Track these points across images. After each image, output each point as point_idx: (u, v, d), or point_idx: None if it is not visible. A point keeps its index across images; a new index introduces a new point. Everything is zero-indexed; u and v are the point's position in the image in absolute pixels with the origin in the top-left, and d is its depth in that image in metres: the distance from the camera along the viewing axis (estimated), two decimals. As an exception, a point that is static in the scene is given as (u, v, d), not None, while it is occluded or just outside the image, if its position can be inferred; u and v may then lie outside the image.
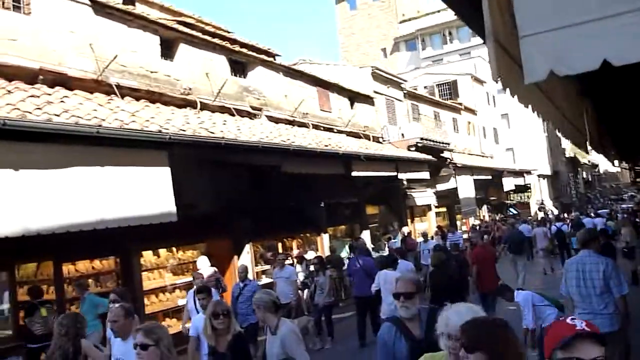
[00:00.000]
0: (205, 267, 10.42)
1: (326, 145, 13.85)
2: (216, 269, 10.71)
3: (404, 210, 21.23)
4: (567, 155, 63.64)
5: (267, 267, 13.98)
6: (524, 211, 38.57)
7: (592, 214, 29.01)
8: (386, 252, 18.32)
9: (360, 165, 15.37)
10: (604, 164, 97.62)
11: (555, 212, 42.23)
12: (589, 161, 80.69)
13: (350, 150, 14.80)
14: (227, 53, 13.88)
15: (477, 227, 22.95)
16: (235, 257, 12.70)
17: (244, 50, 14.50)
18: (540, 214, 35.18)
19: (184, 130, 9.58)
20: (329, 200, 16.23)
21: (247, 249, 13.05)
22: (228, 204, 12.42)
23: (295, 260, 13.82)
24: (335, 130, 17.62)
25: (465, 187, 24.34)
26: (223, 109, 13.11)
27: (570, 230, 17.59)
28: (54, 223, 7.34)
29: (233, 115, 13.18)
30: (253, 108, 14.34)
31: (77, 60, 9.89)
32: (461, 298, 7.69)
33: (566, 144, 65.44)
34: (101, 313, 8.16)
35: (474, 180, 25.89)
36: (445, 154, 23.01)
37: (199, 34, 12.99)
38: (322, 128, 16.94)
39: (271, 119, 14.78)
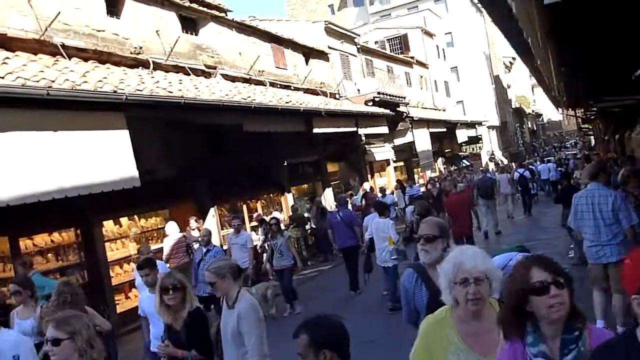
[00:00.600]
0: (174, 232, 10.04)
1: (287, 102, 13.45)
2: (185, 234, 10.35)
3: (363, 166, 21.17)
4: (513, 106, 65.05)
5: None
6: (476, 162, 39.35)
7: (538, 162, 29.68)
8: (349, 209, 18.41)
9: (322, 121, 15.08)
10: (548, 113, 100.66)
11: (505, 161, 43.25)
12: (533, 111, 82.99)
13: (311, 107, 14.45)
14: (177, 9, 13.13)
15: (436, 180, 23.15)
16: (201, 221, 12.31)
17: (194, 5, 13.75)
18: (492, 164, 35.96)
19: (140, 90, 9.01)
20: (290, 159, 15.93)
21: (212, 212, 12.68)
22: (189, 166, 11.99)
23: (256, 224, 13.55)
24: (292, 88, 17.19)
25: (422, 140, 24.47)
26: (177, 69, 12.47)
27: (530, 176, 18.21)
28: (7, 195, 6.79)
29: (188, 74, 12.56)
30: (207, 67, 13.72)
31: (16, 19, 9.07)
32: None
33: (512, 94, 66.96)
34: (47, 294, 7.66)
35: (430, 133, 26.06)
36: (402, 108, 22.93)
37: (146, -12, 12.20)
38: (278, 86, 16.47)
39: (227, 77, 14.21)
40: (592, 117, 29.38)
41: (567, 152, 48.78)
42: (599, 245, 5.57)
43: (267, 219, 13.19)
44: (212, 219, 12.62)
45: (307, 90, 17.96)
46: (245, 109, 11.48)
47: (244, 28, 15.75)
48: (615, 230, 5.51)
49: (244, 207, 14.29)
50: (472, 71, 45.66)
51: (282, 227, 12.22)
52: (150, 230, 11.82)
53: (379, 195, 17.77)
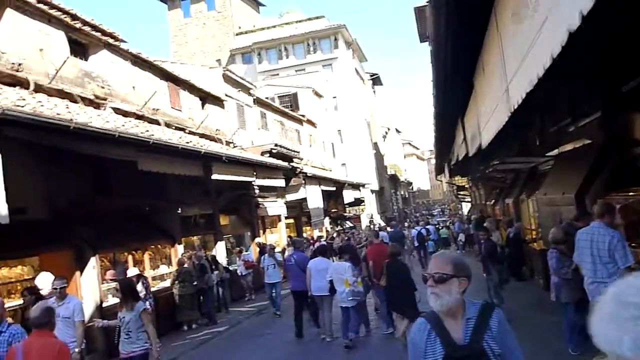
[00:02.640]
0: (47, 286, 8.15)
1: (188, 142, 12.17)
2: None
3: (255, 220, 20.01)
4: (389, 173, 67.81)
5: (114, 285, 11.78)
6: (357, 224, 39.77)
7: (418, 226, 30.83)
8: (240, 265, 17.05)
9: (221, 167, 13.90)
10: (417, 182, 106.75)
11: (383, 224, 44.25)
12: (405, 179, 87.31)
13: (212, 150, 13.25)
14: (66, 29, 11.58)
15: (334, 236, 22.57)
16: (78, 272, 10.39)
17: (87, 28, 12.27)
18: (371, 227, 36.43)
19: (21, 106, 7.39)
20: (184, 207, 14.43)
21: (93, 262, 10.77)
22: (69, 207, 10.16)
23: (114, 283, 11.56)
24: (187, 131, 15.88)
25: (314, 197, 23.94)
26: (62, 94, 10.81)
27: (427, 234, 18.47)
28: None
29: (75, 102, 10.92)
30: (97, 97, 12.15)
31: None
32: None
33: (387, 161, 69.95)
34: None
35: (321, 191, 25.67)
36: (296, 163, 22.34)
37: (32, 0, 10.58)
38: (173, 127, 15.12)
39: (118, 111, 12.67)
40: (471, 185, 31.09)
41: (437, 219, 51.74)
42: (595, 283, 5.63)
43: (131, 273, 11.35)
44: (92, 271, 10.71)
45: (202, 136, 16.73)
46: (142, 144, 10.05)
47: (139, 61, 14.39)
48: (612, 269, 5.54)
49: (130, 257, 12.44)
50: (355, 136, 46.94)
51: (143, 289, 10.64)
52: (13, 282, 9.67)
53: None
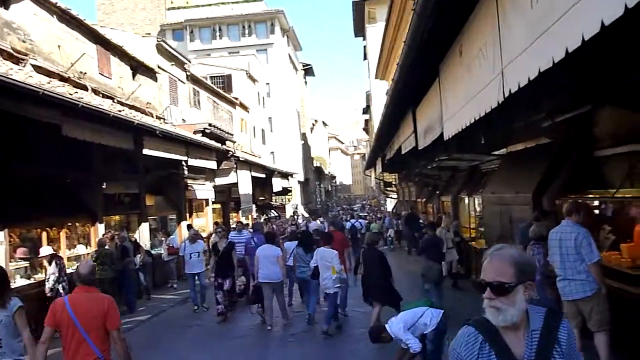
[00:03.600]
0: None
1: (120, 111, 11.03)
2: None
3: (183, 203, 18.89)
4: (314, 165, 67.69)
5: (25, 264, 10.51)
6: (282, 213, 39.20)
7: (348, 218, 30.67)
8: (164, 250, 15.93)
9: (153, 142, 12.82)
10: (340, 177, 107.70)
11: (307, 215, 43.97)
12: (329, 172, 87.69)
13: (146, 123, 12.14)
14: (-16, -31, 10.13)
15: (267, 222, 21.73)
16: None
17: (9, -28, 10.82)
18: (295, 217, 35.96)
19: None
20: (109, 184, 13.19)
21: (1, 237, 9.47)
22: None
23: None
24: (116, 101, 14.59)
25: (245, 183, 23.02)
26: (-25, 42, 9.41)
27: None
28: None
29: (-10, 52, 9.56)
30: (16, 51, 10.75)
31: None
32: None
33: (314, 153, 69.81)
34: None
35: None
36: (229, 146, 21.37)
37: None
38: (101, 95, 13.81)
39: (40, 70, 11.31)
40: (399, 182, 31.33)
41: (360, 213, 52.11)
42: (565, 280, 5.61)
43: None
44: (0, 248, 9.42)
45: (132, 107, 15.46)
46: (69, 106, 8.89)
47: (67, 18, 12.97)
48: (579, 266, 5.49)
49: (44, 234, 11.13)
50: (285, 125, 46.26)
51: (56, 270, 9.72)
52: None
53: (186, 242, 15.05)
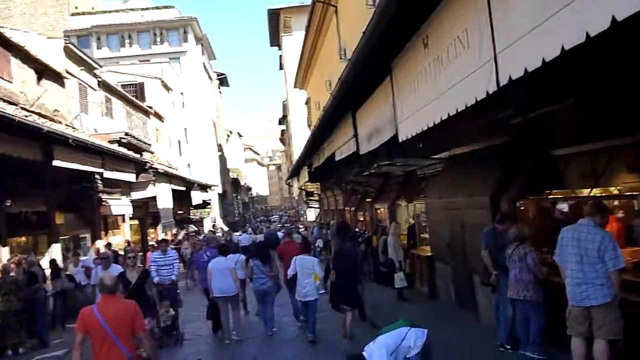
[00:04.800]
0: None
1: (26, 116, 9.64)
2: None
3: (98, 220, 17.27)
4: (231, 177, 66.21)
5: None
6: (200, 228, 37.68)
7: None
8: (79, 272, 14.31)
9: (65, 153, 11.45)
10: (256, 188, 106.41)
11: (226, 229, 42.66)
12: (245, 184, 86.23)
13: (57, 130, 10.76)
14: None
15: (180, 239, 20.43)
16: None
17: None
18: (215, 231, 34.62)
19: None
20: (12, 201, 11.59)
21: None
22: None
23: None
24: (19, 107, 12.96)
25: (165, 196, 21.58)
26: None
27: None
28: None
29: None
30: None
31: None
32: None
33: (230, 165, 68.28)
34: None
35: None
36: (146, 157, 19.93)
37: None
38: (0, 100, 12.18)
39: None
40: (322, 191, 30.88)
41: (278, 225, 51.47)
42: (584, 285, 5.09)
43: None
44: None
45: (37, 115, 13.82)
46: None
47: (-41, 12, 11.30)
48: (600, 270, 5.01)
49: None
50: (201, 135, 44.75)
51: None
52: None
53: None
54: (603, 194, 6.41)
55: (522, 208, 8.01)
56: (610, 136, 6.31)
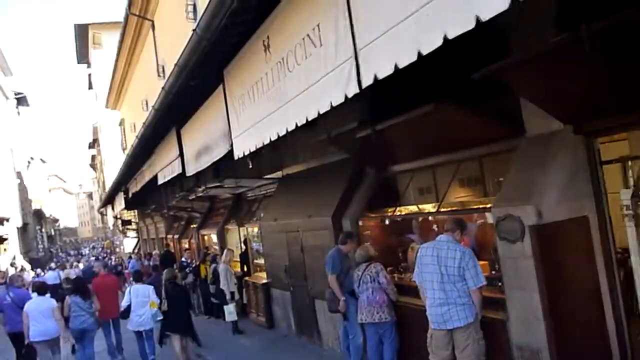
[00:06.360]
0: None
1: None
2: None
3: None
4: (33, 208, 59.38)
5: None
6: (-5, 268, 32.69)
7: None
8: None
9: None
10: (64, 220, 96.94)
11: (28, 267, 37.76)
12: (51, 215, 77.88)
13: None
14: None
15: None
16: None
17: None
18: (13, 270, 30.29)
19: None
20: None
21: None
22: None
23: None
24: None
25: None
26: None
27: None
28: None
29: None
30: None
31: None
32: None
33: (32, 195, 61.06)
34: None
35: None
36: None
37: None
38: None
39: None
40: (140, 219, 28.66)
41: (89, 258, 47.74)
42: (446, 306, 4.74)
43: None
44: None
45: None
46: None
47: None
48: (461, 289, 4.72)
49: None
50: (-5, 162, 39.10)
51: None
52: None
53: None
54: (448, 210, 6.24)
55: (365, 226, 7.66)
56: (451, 150, 6.22)
